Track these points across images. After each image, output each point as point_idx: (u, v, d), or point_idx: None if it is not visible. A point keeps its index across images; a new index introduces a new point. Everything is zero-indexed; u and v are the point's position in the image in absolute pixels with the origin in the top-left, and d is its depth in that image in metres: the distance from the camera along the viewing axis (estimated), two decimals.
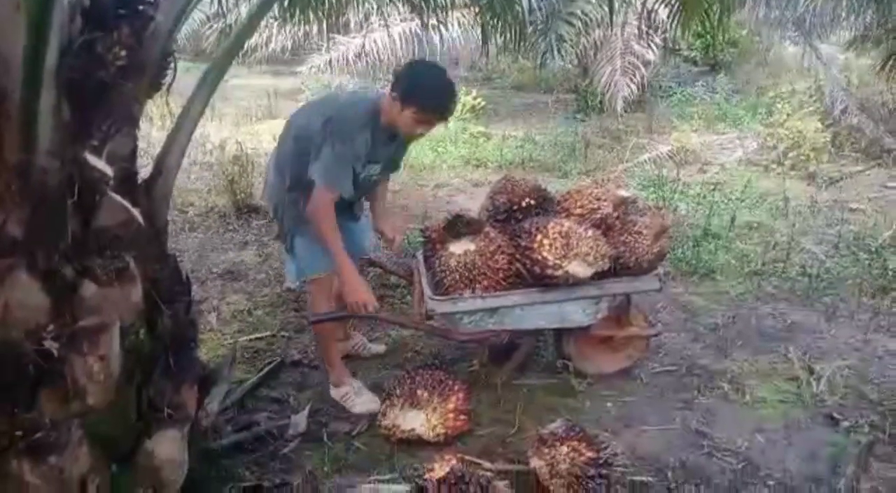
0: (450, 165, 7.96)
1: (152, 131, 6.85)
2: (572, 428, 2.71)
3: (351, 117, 2.92)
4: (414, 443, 2.92)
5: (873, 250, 5.17)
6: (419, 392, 2.97)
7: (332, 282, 3.18)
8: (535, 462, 2.66)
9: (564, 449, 2.61)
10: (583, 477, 2.56)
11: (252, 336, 3.98)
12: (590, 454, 2.59)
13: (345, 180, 2.92)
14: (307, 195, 2.93)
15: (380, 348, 3.80)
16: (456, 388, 3.03)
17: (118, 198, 1.87)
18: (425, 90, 2.88)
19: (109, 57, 1.82)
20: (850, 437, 3.03)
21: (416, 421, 2.92)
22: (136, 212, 1.91)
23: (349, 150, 2.88)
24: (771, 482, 2.80)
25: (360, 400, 3.24)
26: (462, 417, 2.99)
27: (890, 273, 4.72)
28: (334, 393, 3.31)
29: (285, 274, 3.33)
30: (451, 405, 2.95)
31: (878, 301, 4.40)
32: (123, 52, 1.84)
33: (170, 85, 2.14)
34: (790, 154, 7.58)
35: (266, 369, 3.55)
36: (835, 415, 3.22)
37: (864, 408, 3.30)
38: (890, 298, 4.44)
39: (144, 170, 2.17)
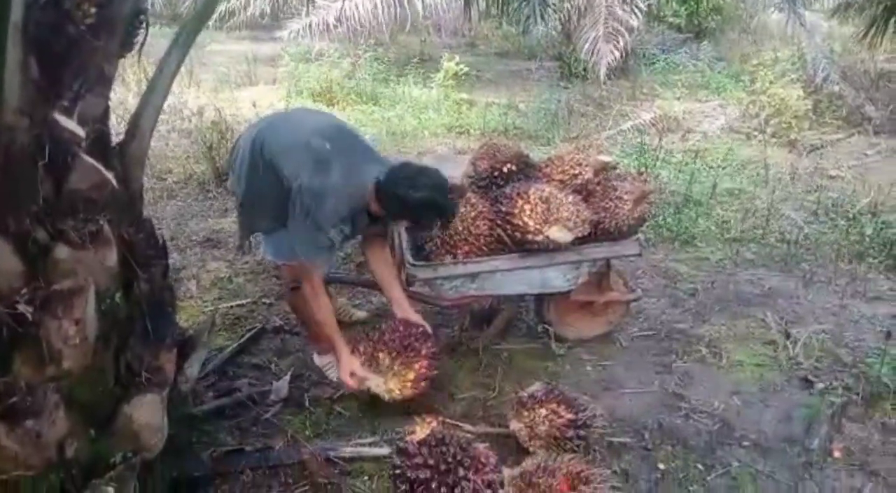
0: (433, 133, 7.90)
1: (129, 97, 6.75)
2: (551, 391, 2.73)
3: (331, 209, 2.66)
4: (394, 406, 2.94)
5: (851, 216, 5.23)
6: (381, 356, 2.88)
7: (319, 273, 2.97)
8: (515, 425, 2.69)
9: (543, 411, 2.64)
10: (561, 439, 2.59)
11: (232, 303, 3.97)
12: (568, 416, 2.62)
13: (320, 254, 2.77)
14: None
15: (363, 313, 3.79)
16: (423, 352, 2.90)
17: (91, 160, 1.83)
18: (414, 209, 2.69)
19: (78, 13, 1.77)
20: (825, 399, 3.09)
21: (372, 381, 2.86)
22: (109, 175, 1.88)
23: (321, 238, 2.70)
24: (746, 443, 2.86)
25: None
26: (422, 384, 2.89)
27: (867, 240, 4.78)
28: (318, 360, 3.30)
29: (263, 247, 3.14)
30: (411, 375, 2.86)
31: (854, 267, 4.46)
32: (93, 9, 1.79)
33: (142, 45, 2.09)
34: (772, 122, 7.60)
35: (247, 336, 3.55)
36: (810, 378, 3.28)
37: (838, 371, 3.36)
38: (866, 263, 4.49)
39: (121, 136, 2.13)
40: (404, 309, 3.08)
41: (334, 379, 3.20)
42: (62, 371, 1.81)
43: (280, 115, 3.36)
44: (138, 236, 2.13)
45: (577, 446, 2.62)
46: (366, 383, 2.85)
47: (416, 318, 3.06)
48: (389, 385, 2.85)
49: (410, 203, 2.65)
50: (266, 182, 2.81)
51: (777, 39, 10.91)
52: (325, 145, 2.75)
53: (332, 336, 2.89)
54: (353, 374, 2.85)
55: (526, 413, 2.68)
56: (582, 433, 2.63)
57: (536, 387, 2.79)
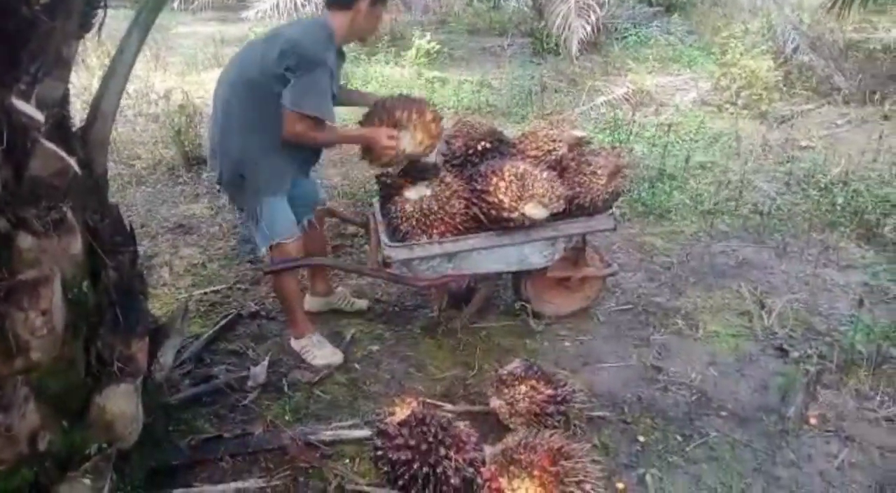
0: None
1: (93, 82, 6.60)
2: (530, 367, 2.74)
3: (311, 42, 2.82)
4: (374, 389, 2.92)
5: (823, 186, 5.28)
6: (398, 113, 3.06)
7: (298, 247, 3.10)
8: (495, 402, 2.69)
9: (523, 388, 2.64)
10: (542, 415, 2.60)
11: (207, 290, 3.91)
12: (548, 391, 2.63)
13: (328, 104, 2.87)
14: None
15: (363, 303, 3.72)
16: (426, 106, 3.15)
17: (51, 145, 1.78)
18: None
19: None
20: (800, 367, 3.13)
21: (403, 140, 3.07)
22: (71, 160, 1.82)
23: (324, 73, 2.81)
24: (724, 413, 2.89)
25: (321, 352, 3.22)
26: (439, 123, 3.17)
27: (838, 209, 4.83)
28: (295, 345, 3.28)
29: (257, 243, 3.13)
30: (430, 121, 3.11)
31: (826, 236, 4.51)
32: None
33: (101, 25, 2.02)
34: (743, 94, 7.63)
35: (222, 322, 3.50)
36: (784, 347, 3.32)
37: (812, 339, 3.40)
38: (838, 232, 4.55)
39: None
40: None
41: (314, 364, 3.18)
42: (31, 363, 1.77)
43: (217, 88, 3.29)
44: (104, 223, 2.08)
45: (558, 421, 2.63)
46: (401, 143, 3.05)
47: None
48: (419, 137, 3.09)
49: None
50: (250, 105, 2.90)
51: (747, 11, 10.93)
52: (261, 38, 3.05)
53: (355, 135, 3.23)
54: (390, 137, 3.04)
55: (506, 391, 2.68)
56: (562, 408, 2.64)
57: (516, 364, 2.79)
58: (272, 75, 2.80)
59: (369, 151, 3.14)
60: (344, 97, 3.23)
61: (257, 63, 2.87)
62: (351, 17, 2.92)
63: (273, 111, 2.82)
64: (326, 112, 2.86)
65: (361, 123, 3.20)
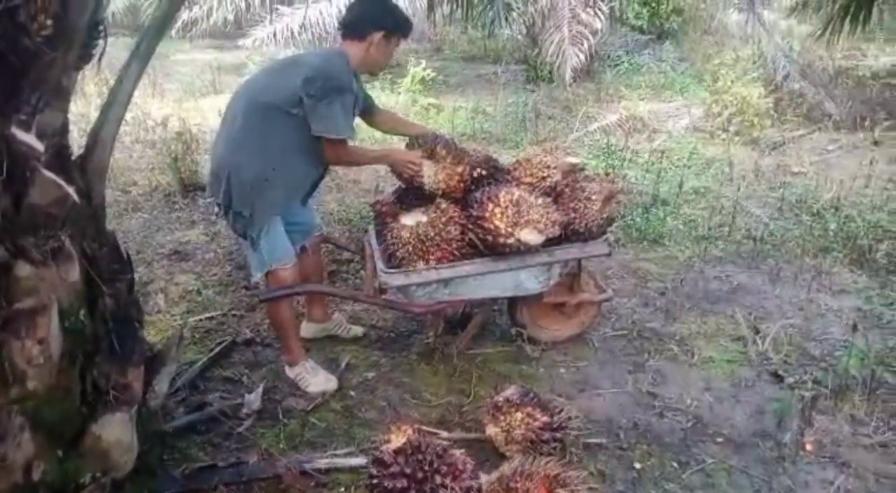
0: (401, 138, 7.85)
1: (90, 110, 6.64)
2: (526, 394, 2.74)
3: (336, 69, 2.93)
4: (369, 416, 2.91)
5: (815, 212, 5.32)
6: (437, 148, 3.21)
7: (294, 274, 3.11)
8: (491, 430, 2.69)
9: (519, 415, 2.64)
10: (538, 442, 2.60)
11: (202, 316, 3.91)
12: (544, 418, 2.62)
13: (351, 127, 3.03)
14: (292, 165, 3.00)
15: (359, 329, 3.73)
16: (470, 154, 3.32)
17: (50, 174, 1.79)
18: (386, 14, 3.07)
19: (34, 25, 1.72)
20: (795, 393, 3.14)
21: (426, 168, 3.21)
22: (70, 189, 1.84)
23: (350, 98, 2.95)
24: (720, 439, 2.88)
25: (316, 379, 3.21)
26: (466, 182, 3.24)
27: (831, 234, 4.87)
28: (289, 372, 3.27)
29: (251, 269, 3.18)
30: (459, 168, 3.21)
31: (819, 261, 4.54)
32: (49, 21, 1.75)
33: (101, 56, 2.05)
34: (734, 120, 7.71)
35: (217, 349, 3.49)
36: (779, 372, 3.33)
37: (807, 364, 3.41)
38: (831, 258, 4.58)
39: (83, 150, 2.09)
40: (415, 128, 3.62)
41: (309, 391, 3.17)
42: (27, 392, 1.77)
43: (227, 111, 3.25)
44: (102, 251, 2.09)
45: (554, 448, 2.62)
46: (422, 169, 3.19)
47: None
48: (439, 176, 3.19)
49: (377, 8, 3.06)
50: (259, 132, 2.94)
51: (737, 39, 11.09)
52: (280, 64, 3.28)
53: (384, 156, 3.51)
54: (412, 162, 3.21)
55: (502, 418, 2.67)
56: (558, 435, 2.64)
57: (511, 391, 2.78)
58: (291, 101, 2.87)
59: (396, 166, 3.32)
60: (387, 123, 3.61)
61: (275, 89, 2.94)
62: (365, 48, 3.02)
63: (283, 136, 2.92)
64: (351, 133, 3.03)
65: (407, 146, 3.39)
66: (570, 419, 2.71)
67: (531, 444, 2.61)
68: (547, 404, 2.72)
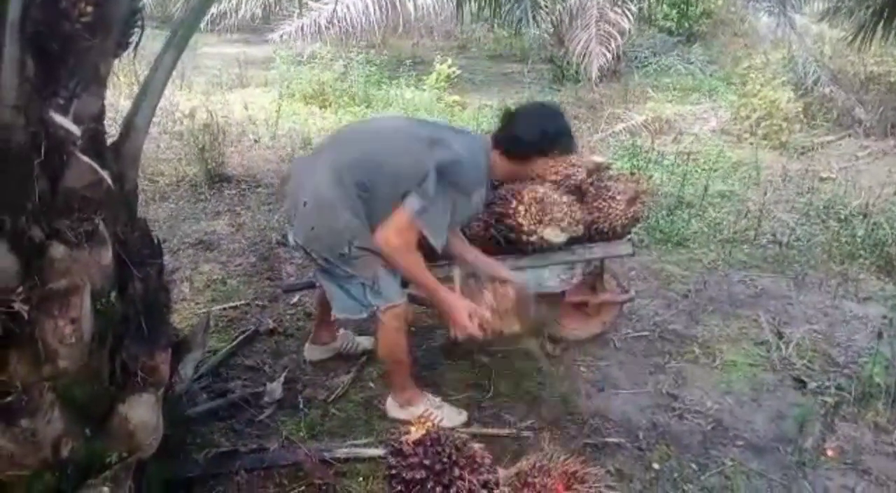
0: None
1: (120, 100, 6.71)
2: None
3: (474, 171, 2.63)
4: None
5: (842, 218, 5.26)
6: (486, 293, 2.73)
7: (408, 310, 2.88)
8: None
9: None
10: None
11: (226, 305, 3.95)
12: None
13: (444, 233, 2.62)
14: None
15: (367, 340, 3.42)
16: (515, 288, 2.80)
17: (86, 159, 1.83)
18: (558, 138, 2.69)
19: (75, 12, 1.76)
20: (817, 399, 3.11)
21: (500, 322, 2.72)
22: (104, 173, 1.87)
23: (466, 206, 2.65)
24: (740, 443, 2.87)
25: (447, 415, 2.85)
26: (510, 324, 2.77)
27: (858, 240, 4.81)
28: (399, 413, 2.93)
29: (337, 306, 2.81)
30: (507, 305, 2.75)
31: (846, 267, 4.49)
32: (89, 8, 1.79)
33: (137, 44, 2.09)
34: (763, 124, 7.65)
35: (240, 338, 3.53)
36: (802, 378, 3.30)
37: (830, 371, 3.38)
38: (858, 264, 4.52)
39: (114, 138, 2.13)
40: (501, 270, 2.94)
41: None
42: (58, 371, 1.80)
43: (342, 137, 3.00)
44: (133, 236, 2.12)
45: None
46: (496, 325, 2.71)
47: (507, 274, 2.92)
48: (509, 320, 2.74)
49: (543, 135, 2.65)
50: (376, 190, 2.60)
51: (768, 42, 10.97)
52: (426, 130, 2.73)
53: (436, 291, 2.68)
54: (471, 317, 2.66)
55: None
56: None
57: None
58: (417, 180, 2.54)
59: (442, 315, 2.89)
60: (456, 247, 2.91)
61: (410, 160, 2.60)
62: (517, 168, 2.77)
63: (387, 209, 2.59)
64: (439, 239, 2.60)
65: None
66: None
67: None
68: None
